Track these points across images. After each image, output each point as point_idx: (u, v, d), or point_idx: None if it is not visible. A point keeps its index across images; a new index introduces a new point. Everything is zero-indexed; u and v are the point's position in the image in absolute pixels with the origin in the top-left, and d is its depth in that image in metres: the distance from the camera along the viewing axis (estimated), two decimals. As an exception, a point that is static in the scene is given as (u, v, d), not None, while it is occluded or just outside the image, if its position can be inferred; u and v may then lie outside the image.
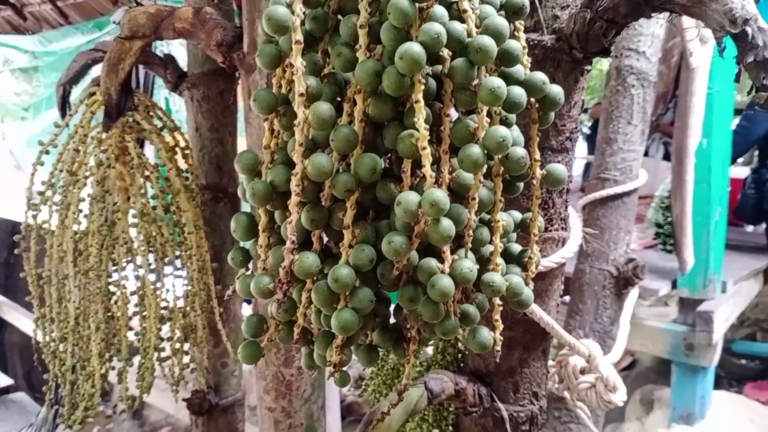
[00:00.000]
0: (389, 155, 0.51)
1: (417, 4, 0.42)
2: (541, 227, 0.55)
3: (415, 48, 0.41)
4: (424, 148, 0.44)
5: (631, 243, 1.46)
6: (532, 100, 0.52)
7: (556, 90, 0.51)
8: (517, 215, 0.56)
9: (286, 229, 0.48)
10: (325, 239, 0.51)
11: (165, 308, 0.90)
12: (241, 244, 0.55)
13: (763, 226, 3.21)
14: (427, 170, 0.44)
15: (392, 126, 0.47)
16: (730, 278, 2.61)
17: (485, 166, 0.46)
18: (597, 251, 1.39)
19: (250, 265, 0.55)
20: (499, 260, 0.51)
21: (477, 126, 0.45)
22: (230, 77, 1.06)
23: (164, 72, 1.06)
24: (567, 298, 1.46)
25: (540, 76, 0.50)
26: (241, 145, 1.18)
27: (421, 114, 0.44)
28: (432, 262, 0.47)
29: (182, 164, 0.91)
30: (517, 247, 0.56)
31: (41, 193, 0.83)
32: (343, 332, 0.46)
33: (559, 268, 0.74)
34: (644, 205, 3.16)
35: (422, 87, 0.44)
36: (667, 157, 3.42)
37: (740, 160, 3.70)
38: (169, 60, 1.07)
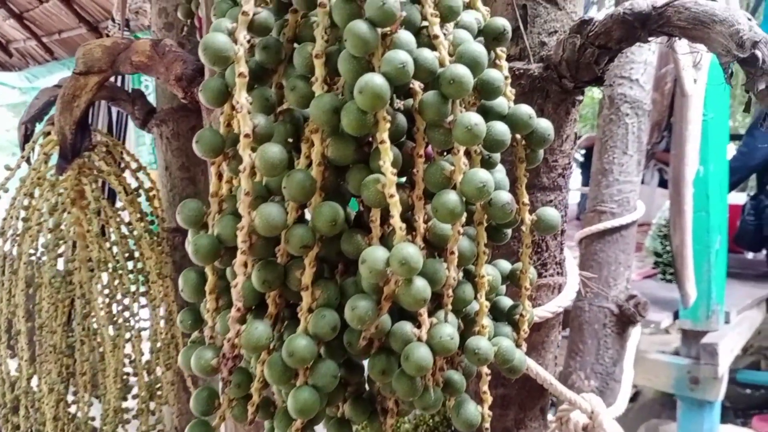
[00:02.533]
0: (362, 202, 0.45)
1: (379, 30, 0.36)
2: (534, 279, 0.49)
3: (376, 80, 0.35)
4: (392, 196, 0.37)
5: (631, 275, 1.39)
6: (518, 136, 0.46)
7: (545, 125, 0.45)
8: (506, 266, 0.49)
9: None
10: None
11: (130, 363, 0.83)
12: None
13: (764, 253, 3.15)
14: (396, 221, 0.37)
15: (356, 169, 0.40)
16: (734, 308, 2.54)
17: (464, 214, 0.39)
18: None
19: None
20: (486, 321, 0.44)
21: (453, 169, 0.39)
22: (201, 112, 1.00)
23: (132, 108, 1.00)
24: (567, 331, 1.39)
25: (525, 110, 0.44)
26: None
27: (387, 156, 0.37)
28: (407, 327, 0.40)
29: (147, 207, 0.85)
30: (506, 302, 0.49)
31: (-9, 242, 0.77)
32: (302, 415, 0.39)
33: (555, 318, 0.67)
34: (642, 233, 3.09)
35: (387, 125, 0.37)
36: (662, 184, 3.37)
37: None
38: (137, 95, 1.01)
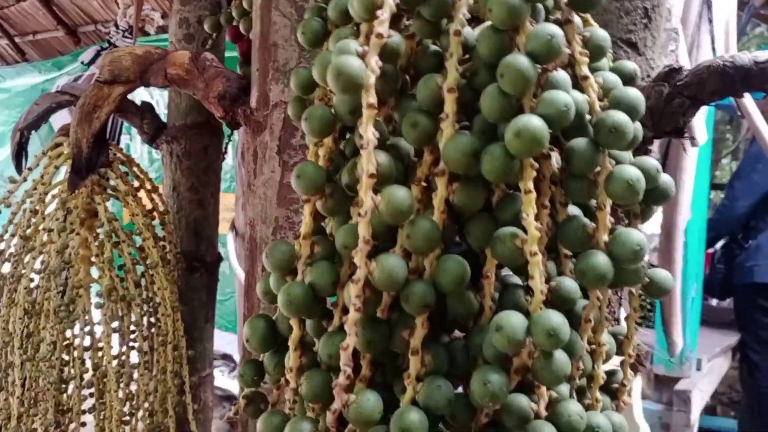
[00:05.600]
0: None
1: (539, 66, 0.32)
2: (636, 345, 0.45)
3: (535, 123, 0.31)
4: (534, 254, 0.33)
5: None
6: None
7: (667, 180, 0.41)
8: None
9: (329, 352, 0.36)
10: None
11: (130, 401, 0.75)
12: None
13: (729, 300, 3.20)
14: (537, 284, 0.33)
15: (479, 219, 0.36)
16: (705, 355, 2.56)
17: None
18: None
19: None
20: (599, 396, 0.39)
21: (596, 227, 0.35)
22: (217, 131, 0.94)
23: (140, 122, 0.93)
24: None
25: (652, 163, 0.40)
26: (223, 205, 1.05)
27: (532, 208, 0.33)
28: (523, 401, 0.35)
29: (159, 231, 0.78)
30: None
31: (-15, 261, 0.69)
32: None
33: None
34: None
35: (534, 173, 0.33)
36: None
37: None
38: (147, 108, 0.94)
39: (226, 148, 0.94)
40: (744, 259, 2.81)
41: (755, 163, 2.64)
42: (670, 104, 0.55)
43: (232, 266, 1.68)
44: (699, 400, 2.43)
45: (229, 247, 1.69)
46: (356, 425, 0.33)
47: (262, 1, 0.59)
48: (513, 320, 0.32)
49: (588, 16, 0.40)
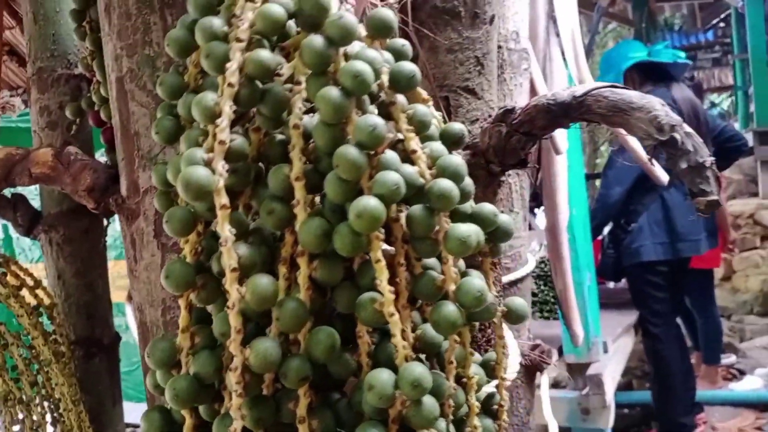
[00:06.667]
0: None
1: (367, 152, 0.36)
2: (506, 364, 0.49)
3: (372, 204, 0.35)
4: (392, 315, 0.36)
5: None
6: (480, 231, 0.47)
7: (506, 220, 0.47)
8: (476, 357, 0.50)
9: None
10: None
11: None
12: None
13: (623, 282, 3.43)
14: (399, 341, 0.37)
15: (344, 288, 0.39)
16: (609, 337, 2.72)
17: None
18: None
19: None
20: (477, 422, 0.44)
21: (444, 278, 0.39)
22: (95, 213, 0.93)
23: (13, 215, 0.91)
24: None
25: (490, 208, 0.45)
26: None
27: (384, 275, 0.37)
28: (407, 444, 0.39)
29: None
30: (480, 394, 0.50)
31: None
32: None
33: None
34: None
35: (381, 244, 0.37)
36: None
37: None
38: (19, 200, 0.92)
39: (106, 227, 0.93)
40: (630, 241, 3.02)
41: (622, 152, 2.85)
42: (510, 141, 0.61)
43: (134, 336, 1.64)
44: (611, 381, 2.58)
45: (129, 317, 1.65)
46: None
47: (117, 92, 0.61)
48: (382, 378, 0.36)
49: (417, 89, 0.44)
